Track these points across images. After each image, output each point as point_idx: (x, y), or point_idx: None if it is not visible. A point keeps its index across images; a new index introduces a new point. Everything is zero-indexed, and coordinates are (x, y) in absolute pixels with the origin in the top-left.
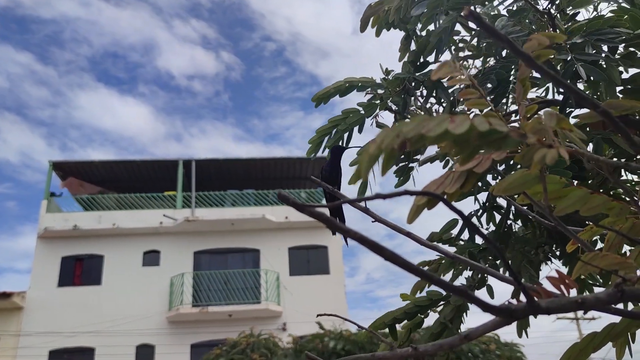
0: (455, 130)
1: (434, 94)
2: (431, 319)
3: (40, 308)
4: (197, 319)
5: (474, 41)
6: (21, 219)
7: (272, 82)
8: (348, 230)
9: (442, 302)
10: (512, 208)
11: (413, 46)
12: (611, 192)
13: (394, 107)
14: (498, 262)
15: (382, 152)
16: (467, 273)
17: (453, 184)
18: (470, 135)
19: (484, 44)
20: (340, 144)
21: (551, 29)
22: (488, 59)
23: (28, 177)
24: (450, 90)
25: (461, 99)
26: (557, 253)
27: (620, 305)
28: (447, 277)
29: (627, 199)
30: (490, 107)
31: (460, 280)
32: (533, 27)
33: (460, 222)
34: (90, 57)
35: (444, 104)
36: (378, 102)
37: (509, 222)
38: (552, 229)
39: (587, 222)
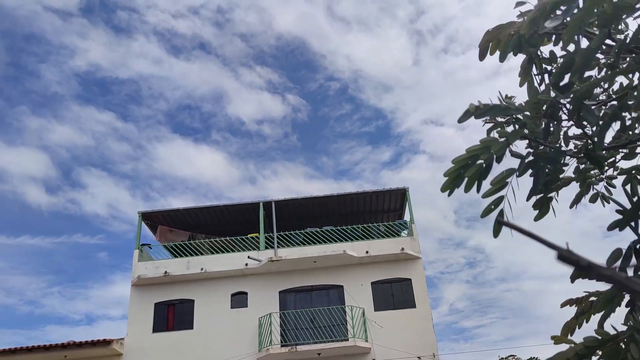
0: None
1: (576, 117)
2: None
3: (137, 354)
4: (287, 358)
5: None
6: (112, 268)
7: (338, 120)
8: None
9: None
10: None
11: (534, 70)
12: None
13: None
14: None
15: None
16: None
17: None
18: None
19: (626, 63)
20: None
21: None
22: (631, 75)
23: (116, 227)
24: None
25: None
26: None
27: None
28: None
29: None
30: None
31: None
32: None
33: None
34: (165, 111)
35: (590, 130)
36: (517, 128)
37: None
38: None
39: None
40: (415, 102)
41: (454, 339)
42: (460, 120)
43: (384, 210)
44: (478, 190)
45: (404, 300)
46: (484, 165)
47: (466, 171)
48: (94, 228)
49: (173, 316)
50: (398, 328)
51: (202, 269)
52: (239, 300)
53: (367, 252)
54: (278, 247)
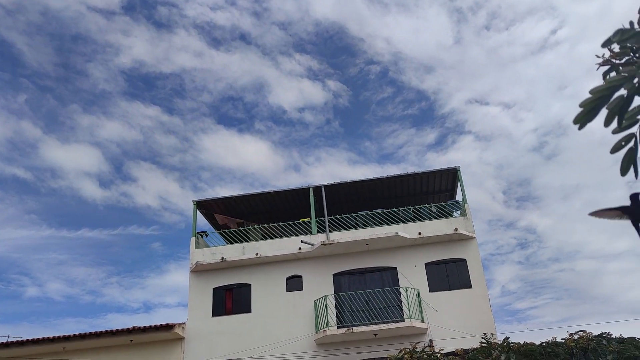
0: None
1: None
2: None
3: (198, 337)
4: (343, 339)
5: None
6: (166, 257)
7: (380, 104)
8: None
9: None
10: None
11: None
12: None
13: None
14: None
15: None
16: None
17: None
18: None
19: None
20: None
21: None
22: None
23: (167, 218)
24: None
25: None
26: None
27: None
28: None
29: None
30: None
31: None
32: None
33: None
34: (209, 103)
35: None
36: None
37: None
38: None
39: None
40: (459, 81)
41: (507, 321)
42: (604, 45)
43: (434, 192)
44: (619, 124)
45: (459, 281)
46: (625, 96)
47: (606, 103)
48: (147, 220)
49: (231, 300)
50: (454, 308)
51: (257, 254)
52: (294, 283)
53: (419, 233)
54: (330, 230)
